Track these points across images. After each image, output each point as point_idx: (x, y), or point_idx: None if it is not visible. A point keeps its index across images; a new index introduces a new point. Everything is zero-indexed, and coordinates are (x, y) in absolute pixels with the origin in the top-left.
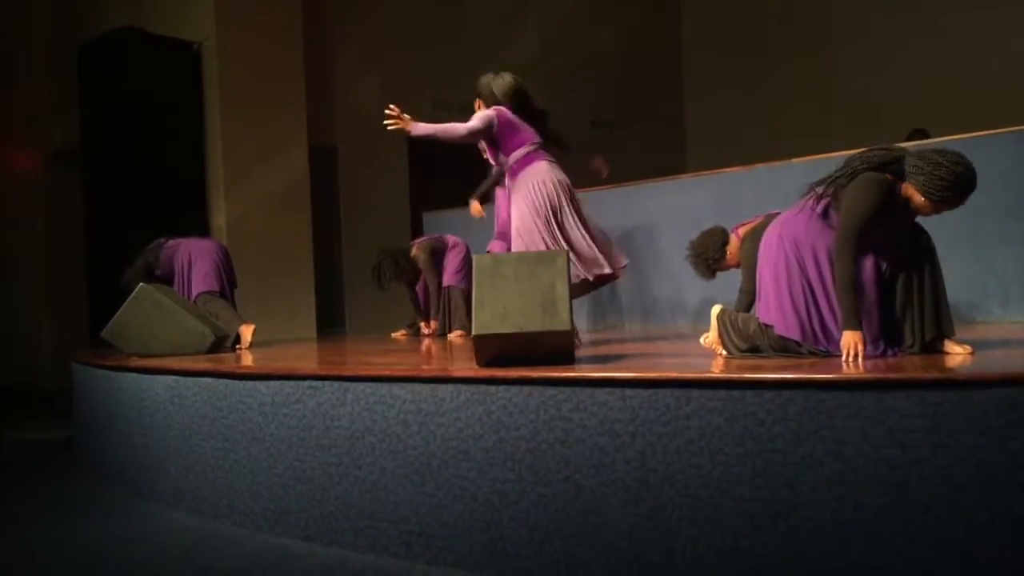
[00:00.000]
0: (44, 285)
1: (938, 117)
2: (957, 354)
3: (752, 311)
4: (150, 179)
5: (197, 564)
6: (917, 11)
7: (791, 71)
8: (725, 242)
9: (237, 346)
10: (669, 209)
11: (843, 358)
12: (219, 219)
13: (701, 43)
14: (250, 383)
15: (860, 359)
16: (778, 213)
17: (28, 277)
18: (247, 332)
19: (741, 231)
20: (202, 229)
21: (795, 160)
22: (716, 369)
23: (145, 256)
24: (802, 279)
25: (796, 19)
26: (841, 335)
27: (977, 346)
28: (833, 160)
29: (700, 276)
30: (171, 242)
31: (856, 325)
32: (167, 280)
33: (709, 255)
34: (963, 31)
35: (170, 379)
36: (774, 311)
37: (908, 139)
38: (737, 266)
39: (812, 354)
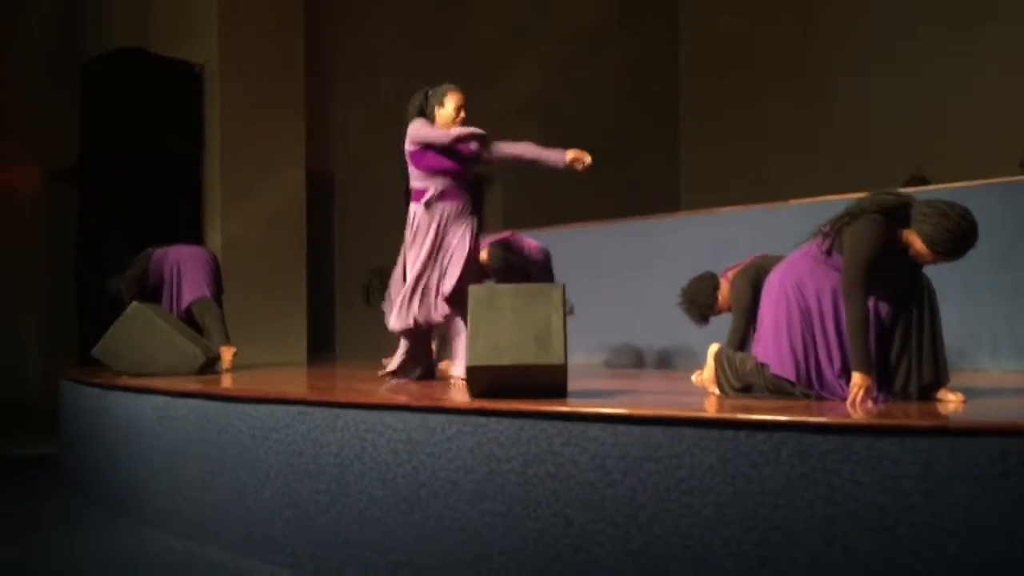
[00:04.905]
0: (36, 303)
1: (936, 161)
2: (950, 402)
3: (748, 350)
4: (147, 198)
5: None
6: (917, 55)
7: (788, 112)
8: (716, 287)
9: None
10: (663, 247)
11: (849, 400)
12: (215, 239)
13: (698, 81)
14: (240, 406)
15: (868, 403)
16: (766, 255)
17: (19, 294)
18: (227, 354)
19: (731, 274)
20: None
21: (792, 202)
22: (710, 408)
23: (139, 264)
24: (802, 322)
25: (794, 60)
26: (838, 379)
27: (968, 394)
28: (831, 204)
29: (693, 322)
30: (159, 250)
31: (868, 367)
32: (157, 288)
33: (702, 302)
34: (962, 76)
35: (159, 399)
36: (772, 351)
37: (906, 184)
38: (729, 309)
39: (805, 396)
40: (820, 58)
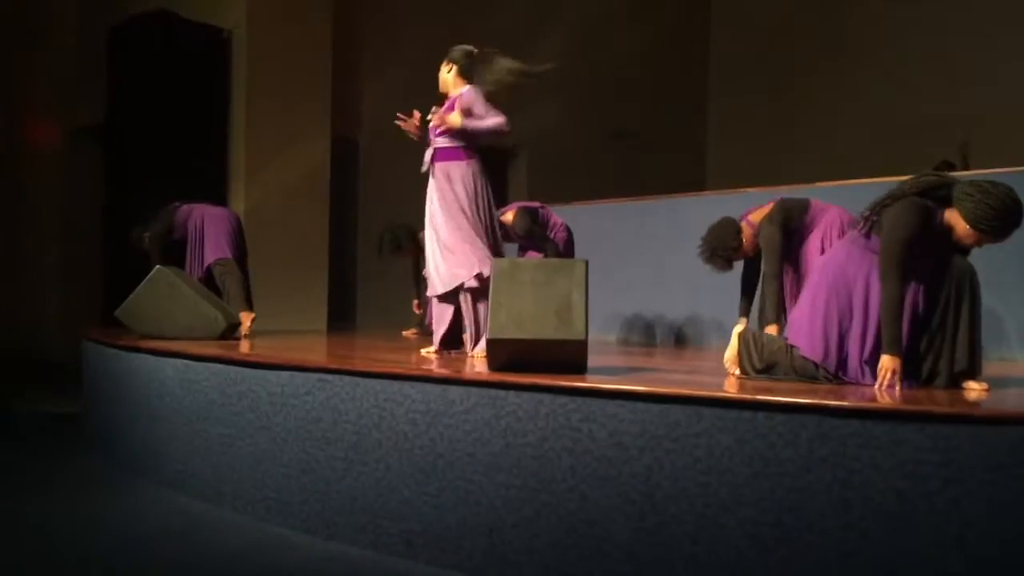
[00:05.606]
0: (55, 258)
1: (978, 150)
2: (973, 390)
3: (775, 321)
4: (171, 161)
5: (194, 547)
6: (950, 40)
7: (818, 92)
8: (738, 230)
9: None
10: (686, 226)
11: (877, 383)
12: (238, 205)
13: (728, 59)
14: (260, 372)
15: (896, 387)
16: (787, 197)
17: (41, 248)
18: (246, 320)
19: (751, 217)
20: None
21: (818, 184)
22: (729, 388)
23: (163, 218)
24: (838, 306)
25: (826, 39)
26: (862, 365)
27: (993, 383)
28: (856, 187)
29: (717, 270)
30: (185, 206)
31: (898, 351)
32: (181, 243)
33: (727, 245)
34: (993, 63)
35: (180, 362)
36: (804, 332)
37: (935, 170)
38: (754, 252)
39: (827, 380)
40: (852, 41)
